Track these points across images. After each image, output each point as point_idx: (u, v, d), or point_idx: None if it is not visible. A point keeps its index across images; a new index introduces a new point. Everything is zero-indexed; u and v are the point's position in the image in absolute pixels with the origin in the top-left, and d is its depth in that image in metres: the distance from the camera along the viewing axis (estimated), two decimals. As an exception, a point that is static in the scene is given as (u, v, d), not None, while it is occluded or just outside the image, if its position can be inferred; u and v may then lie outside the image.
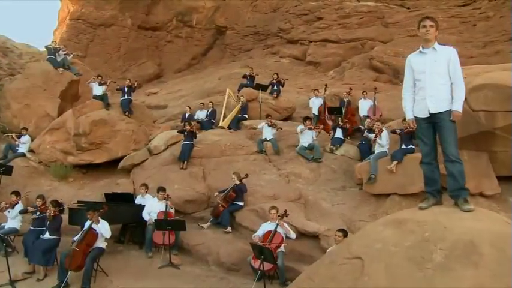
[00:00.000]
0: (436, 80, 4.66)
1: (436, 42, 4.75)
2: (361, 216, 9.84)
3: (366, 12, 25.01)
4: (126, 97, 14.94)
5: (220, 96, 18.41)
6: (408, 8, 24.70)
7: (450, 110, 4.64)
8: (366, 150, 12.23)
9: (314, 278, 4.25)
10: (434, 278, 3.56)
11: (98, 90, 15.22)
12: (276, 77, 17.26)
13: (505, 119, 8.92)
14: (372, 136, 11.23)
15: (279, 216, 8.64)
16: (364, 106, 15.16)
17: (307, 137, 12.81)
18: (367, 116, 14.36)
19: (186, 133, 12.89)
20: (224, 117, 15.89)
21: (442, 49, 4.76)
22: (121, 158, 13.69)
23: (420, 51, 4.83)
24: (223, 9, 31.36)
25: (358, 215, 9.90)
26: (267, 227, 8.68)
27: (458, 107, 4.60)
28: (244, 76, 18.26)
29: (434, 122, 4.71)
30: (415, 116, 4.83)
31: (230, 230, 10.16)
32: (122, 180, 12.69)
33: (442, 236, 3.81)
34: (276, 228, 8.50)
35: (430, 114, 4.68)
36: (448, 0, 23.73)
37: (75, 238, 8.44)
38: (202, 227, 10.50)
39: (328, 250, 7.57)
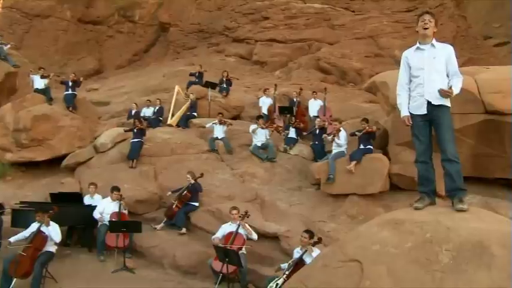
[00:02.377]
0: (434, 77, 4.57)
1: (434, 39, 4.68)
2: (320, 216, 9.76)
3: (313, 13, 25.10)
4: (70, 92, 14.15)
5: (165, 93, 17.91)
6: (353, 12, 25.09)
7: (448, 106, 4.57)
8: (319, 150, 12.24)
9: (307, 282, 4.01)
10: (445, 280, 3.42)
11: (39, 83, 14.28)
12: (226, 75, 16.97)
13: (462, 121, 9.13)
14: (330, 137, 11.13)
15: (240, 216, 8.37)
16: (314, 106, 15.13)
17: (260, 136, 12.61)
18: (317, 116, 14.36)
19: (135, 130, 12.36)
20: (172, 115, 15.39)
21: (440, 46, 4.70)
22: (64, 156, 12.95)
23: (418, 48, 4.73)
24: (167, 5, 30.60)
25: (317, 216, 9.80)
26: (227, 228, 8.37)
27: (456, 87, 4.54)
28: (192, 74, 17.85)
29: (431, 120, 4.61)
30: (410, 113, 4.70)
31: (185, 232, 9.82)
32: (66, 179, 11.97)
33: (446, 237, 3.68)
34: (237, 229, 8.22)
35: (428, 111, 4.58)
36: (392, 5, 24.31)
37: (11, 239, 7.77)
38: (155, 228, 10.08)
39: (295, 251, 7.43)
